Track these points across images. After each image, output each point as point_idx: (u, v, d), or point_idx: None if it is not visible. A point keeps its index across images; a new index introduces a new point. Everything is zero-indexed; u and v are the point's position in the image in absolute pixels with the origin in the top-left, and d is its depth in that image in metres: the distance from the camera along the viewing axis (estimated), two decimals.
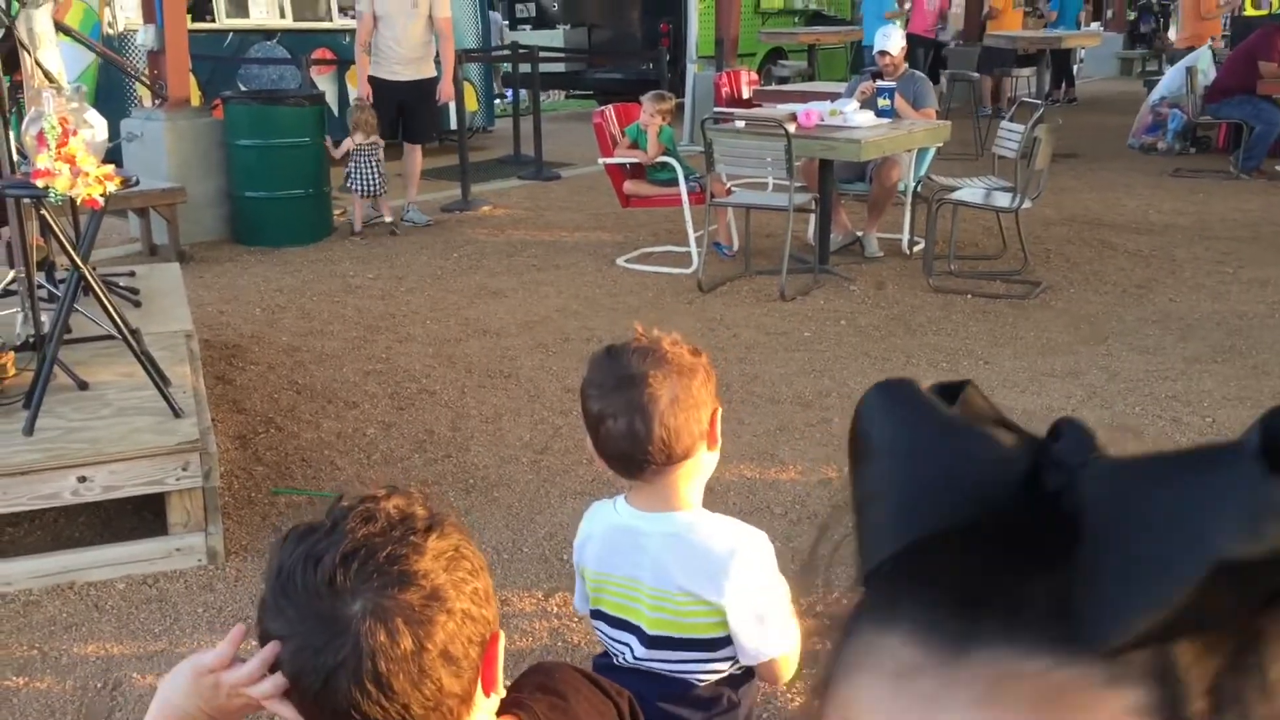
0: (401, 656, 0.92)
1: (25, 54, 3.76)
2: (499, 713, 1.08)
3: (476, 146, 10.66)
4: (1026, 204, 6.28)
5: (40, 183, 3.21)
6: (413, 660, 0.93)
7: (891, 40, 7.16)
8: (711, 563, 1.62)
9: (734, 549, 1.62)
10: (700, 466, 1.66)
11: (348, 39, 10.59)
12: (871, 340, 5.48)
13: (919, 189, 7.11)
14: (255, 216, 7.40)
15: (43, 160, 3.21)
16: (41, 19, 3.99)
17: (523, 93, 11.84)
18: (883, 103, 6.84)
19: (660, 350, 1.62)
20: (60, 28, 4.61)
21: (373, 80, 7.84)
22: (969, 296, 6.14)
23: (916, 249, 6.98)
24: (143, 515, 3.60)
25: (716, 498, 3.43)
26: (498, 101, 13.58)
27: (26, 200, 3.97)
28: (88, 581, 3.27)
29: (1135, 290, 6.27)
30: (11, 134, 3.78)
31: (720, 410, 1.66)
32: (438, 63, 8.02)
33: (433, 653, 0.94)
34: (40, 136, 3.23)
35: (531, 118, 10.27)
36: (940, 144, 7.15)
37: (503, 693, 1.06)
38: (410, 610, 0.93)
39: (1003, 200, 6.40)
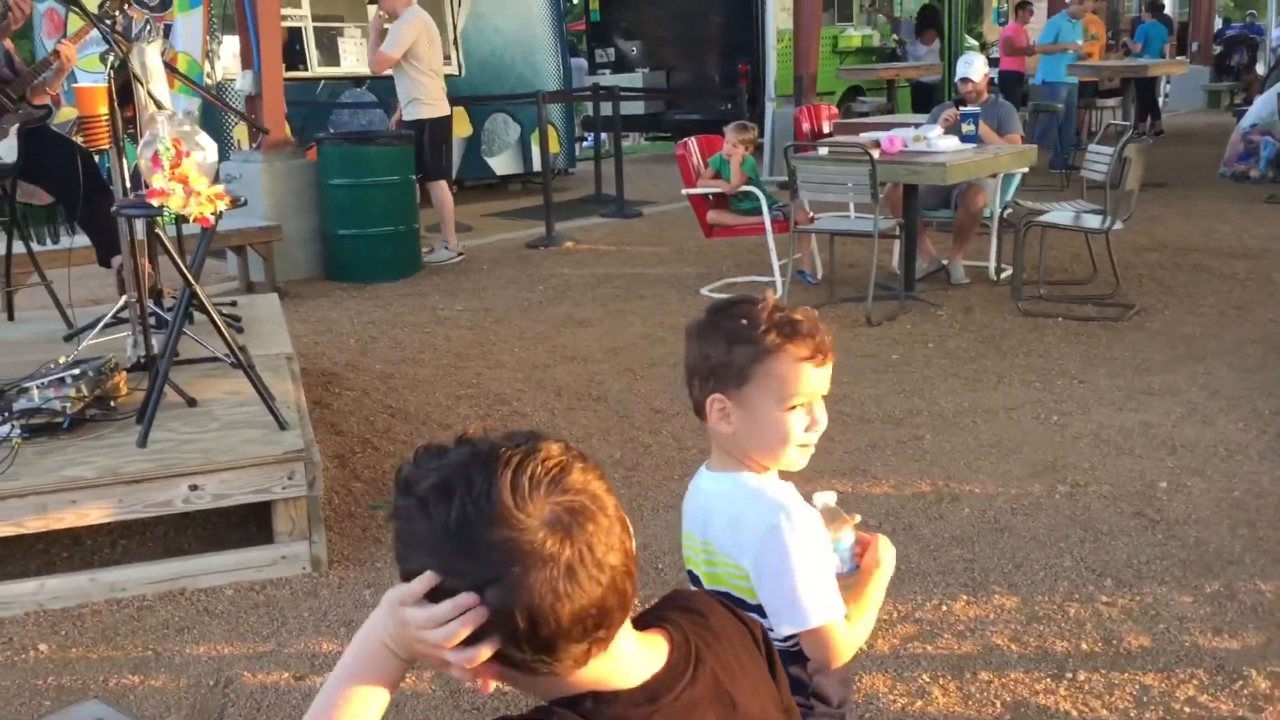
0: (594, 532, 0.98)
1: (138, 85, 3.93)
2: (644, 628, 1.11)
3: (558, 188, 10.82)
4: (1118, 225, 6.19)
5: (155, 202, 3.35)
6: (603, 536, 0.99)
7: (974, 67, 7.15)
8: (744, 526, 1.62)
9: (764, 515, 1.59)
10: (723, 434, 1.63)
11: None
12: (961, 362, 5.43)
13: (1005, 215, 7.06)
14: (347, 253, 7.60)
15: (157, 180, 3.35)
16: (152, 54, 4.17)
17: (603, 136, 12.03)
18: (967, 128, 6.83)
19: (739, 311, 1.62)
20: (168, 68, 4.80)
21: None
22: (1060, 319, 6.06)
23: (1004, 275, 6.92)
24: (248, 528, 3.69)
25: None
26: (578, 146, 13.81)
27: (140, 234, 4.16)
28: (198, 588, 3.36)
29: (1233, 312, 6.14)
30: (126, 161, 3.95)
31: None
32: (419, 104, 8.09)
33: (612, 514, 1.01)
34: (155, 158, 3.37)
35: (613, 158, 10.42)
36: (1026, 168, 7.09)
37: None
38: (576, 507, 0.99)
39: (1093, 222, 6.32)
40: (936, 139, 6.64)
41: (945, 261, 7.06)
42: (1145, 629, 3.02)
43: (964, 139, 6.78)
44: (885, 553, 1.69)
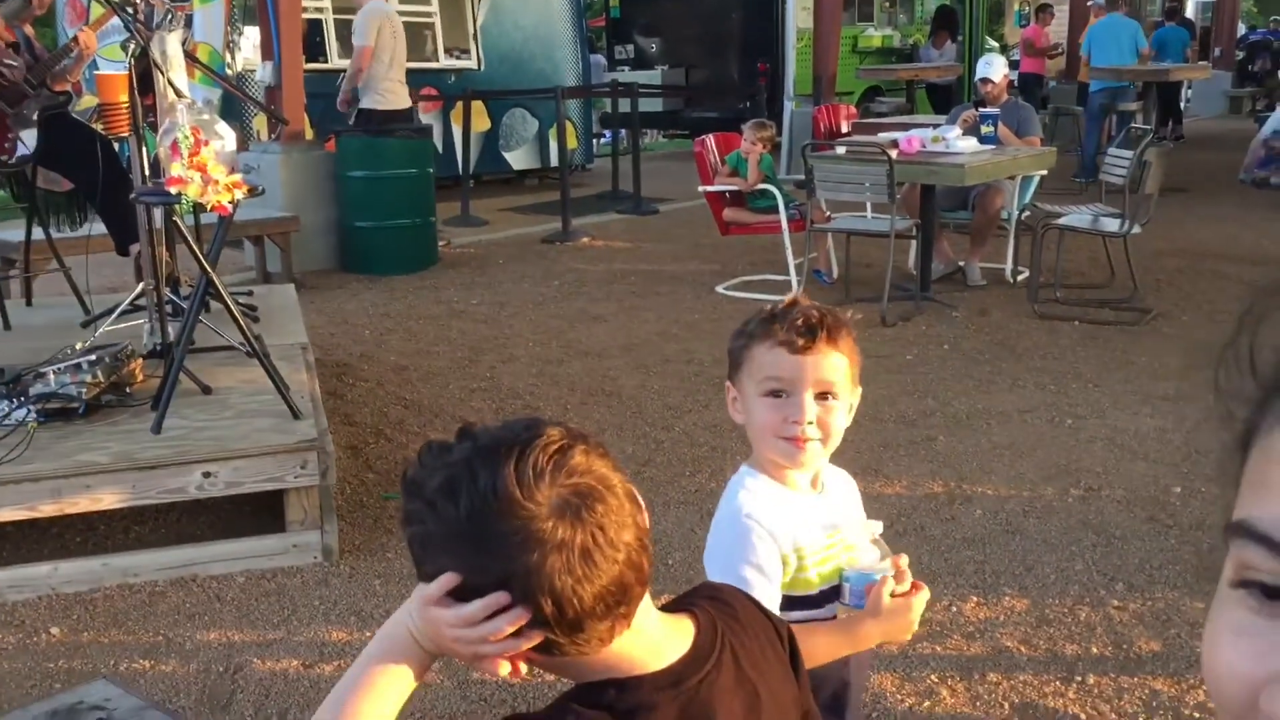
0: (603, 516, 0.97)
1: (159, 73, 3.95)
2: (671, 610, 1.12)
3: (575, 183, 10.81)
4: (1136, 229, 6.16)
5: (173, 189, 3.37)
6: (614, 515, 0.98)
7: (994, 68, 7.12)
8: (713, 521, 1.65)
9: (720, 509, 1.63)
10: (742, 426, 1.66)
11: (452, 78, 10.91)
12: (975, 364, 5.42)
13: (1023, 217, 7.03)
14: (364, 245, 7.61)
15: (176, 168, 3.37)
16: (173, 42, 4.18)
17: (621, 133, 12.04)
18: (986, 130, 6.80)
19: (768, 311, 1.63)
20: (189, 57, 4.82)
21: None
22: (1076, 323, 6.03)
23: (1020, 278, 6.89)
24: (260, 518, 3.70)
25: None
26: (595, 143, 13.80)
27: (158, 223, 4.17)
28: (209, 575, 3.38)
29: None
30: (146, 149, 3.97)
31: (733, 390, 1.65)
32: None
33: (620, 493, 1.00)
34: (174, 146, 3.39)
35: (630, 154, 10.41)
36: (1045, 170, 7.06)
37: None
38: (589, 490, 0.98)
39: (1111, 225, 6.29)
40: (955, 140, 6.62)
41: (962, 263, 7.04)
42: (1156, 634, 3.01)
43: (983, 140, 6.76)
44: (892, 608, 1.53)
